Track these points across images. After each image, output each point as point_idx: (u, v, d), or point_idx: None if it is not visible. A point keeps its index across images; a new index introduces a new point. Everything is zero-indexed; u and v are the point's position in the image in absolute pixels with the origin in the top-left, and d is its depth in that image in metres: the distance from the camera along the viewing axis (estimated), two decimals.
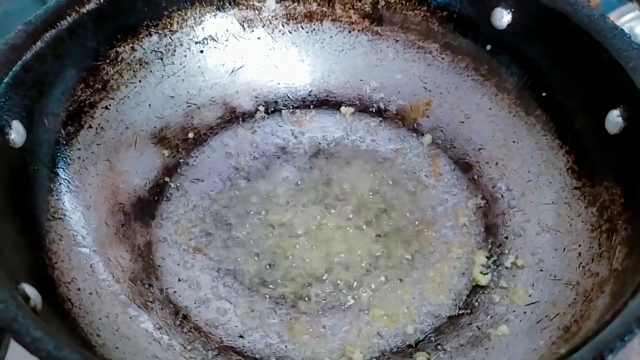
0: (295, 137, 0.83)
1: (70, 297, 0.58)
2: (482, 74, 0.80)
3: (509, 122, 0.77)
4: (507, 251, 0.68)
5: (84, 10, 0.71)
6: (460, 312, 0.64)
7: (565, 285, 0.60)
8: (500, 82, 0.78)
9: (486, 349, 0.58)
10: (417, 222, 0.72)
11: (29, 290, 0.48)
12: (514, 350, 0.56)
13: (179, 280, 0.67)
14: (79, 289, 0.60)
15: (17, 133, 0.61)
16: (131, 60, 0.78)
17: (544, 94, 0.73)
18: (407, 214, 0.73)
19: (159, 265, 0.68)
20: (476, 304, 0.64)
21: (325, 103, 0.86)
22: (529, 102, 0.75)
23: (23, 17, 0.67)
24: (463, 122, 0.81)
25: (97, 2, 0.72)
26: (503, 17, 0.76)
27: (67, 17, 0.69)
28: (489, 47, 0.79)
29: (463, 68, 0.82)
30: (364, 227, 0.72)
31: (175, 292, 0.66)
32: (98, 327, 0.57)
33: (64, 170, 0.68)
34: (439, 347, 0.61)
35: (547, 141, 0.72)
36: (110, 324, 0.58)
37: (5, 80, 0.61)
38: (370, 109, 0.85)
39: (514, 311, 0.61)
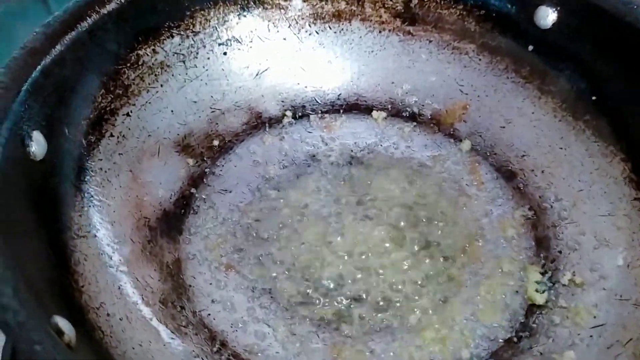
0: (326, 144, 0.78)
1: (100, 325, 0.53)
2: (524, 75, 0.76)
3: (555, 127, 0.73)
4: (562, 267, 0.64)
5: (104, 10, 0.66)
6: (519, 334, 0.59)
7: (634, 306, 0.56)
8: (543, 84, 0.74)
9: None
10: (461, 235, 0.68)
11: (62, 323, 0.43)
12: None
13: (212, 301, 0.62)
14: (108, 315, 0.55)
15: (37, 144, 0.56)
16: (152, 64, 0.73)
17: (593, 98, 0.69)
18: (450, 227, 0.69)
19: (190, 285, 0.63)
20: (534, 325, 0.60)
21: (356, 107, 0.82)
22: (577, 106, 0.71)
23: (24, 17, 0.62)
24: (504, 127, 0.76)
25: (118, 2, 0.67)
26: (548, 16, 0.71)
27: (87, 18, 0.64)
28: (531, 47, 0.74)
29: (502, 70, 0.77)
30: (405, 241, 0.67)
31: (209, 314, 0.61)
32: (132, 357, 0.52)
33: (86, 183, 0.63)
34: None
35: (599, 148, 0.68)
36: (144, 353, 0.54)
37: (24, 87, 0.56)
38: (403, 113, 0.81)
39: (578, 334, 0.57)
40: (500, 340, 0.59)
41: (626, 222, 0.62)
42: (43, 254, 0.52)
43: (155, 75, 0.74)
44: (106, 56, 0.68)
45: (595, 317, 0.58)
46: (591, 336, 0.56)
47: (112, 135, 0.68)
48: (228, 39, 0.79)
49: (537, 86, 0.74)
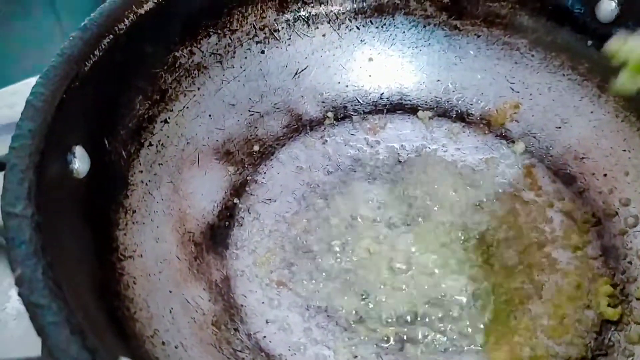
0: (371, 147, 0.74)
1: (157, 356, 0.49)
2: (581, 72, 0.72)
3: (616, 127, 0.69)
4: (634, 279, 0.60)
5: (141, 11, 0.61)
6: (594, 353, 0.56)
7: None
8: (603, 82, 0.70)
9: None
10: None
11: None
12: None
13: (267, 322, 0.59)
14: (163, 344, 0.51)
15: (81, 160, 0.52)
16: (189, 66, 0.69)
17: None
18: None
19: (242, 305, 0.60)
20: (610, 343, 0.56)
21: (400, 107, 0.78)
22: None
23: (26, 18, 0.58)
24: (559, 128, 0.72)
25: (155, 0, 0.62)
26: (610, 8, 0.67)
27: (125, 19, 0.59)
28: (590, 42, 0.70)
29: (557, 66, 0.73)
30: (463, 252, 0.64)
31: (264, 337, 0.58)
32: None
33: (128, 198, 0.59)
34: None
35: None
36: None
37: (63, 97, 0.51)
38: (451, 113, 0.77)
39: None
40: None
41: None
42: (95, 282, 0.48)
43: (192, 77, 0.69)
44: (143, 59, 0.64)
45: None
46: None
47: (151, 145, 0.64)
48: (266, 37, 0.74)
49: (597, 84, 0.70)
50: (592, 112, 0.70)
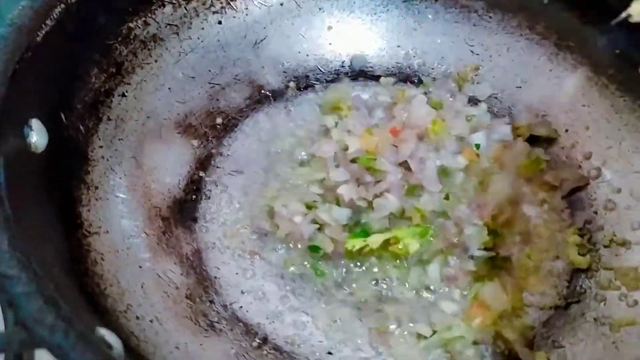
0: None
1: (132, 330, 0.48)
2: (539, 32, 0.72)
3: (575, 83, 0.70)
4: (600, 228, 0.61)
5: None
6: (567, 301, 0.57)
7: None
8: (561, 40, 0.71)
9: (614, 342, 0.52)
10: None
11: (107, 335, 0.37)
12: None
13: (242, 292, 0.58)
14: (137, 318, 0.50)
15: (38, 134, 0.49)
16: (145, 37, 0.66)
17: (617, 51, 0.66)
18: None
19: (216, 277, 0.58)
20: (582, 290, 0.57)
21: (362, 74, 0.77)
22: (599, 60, 0.68)
23: None
24: (520, 87, 0.73)
25: None
26: None
27: None
28: (546, 0, 0.71)
29: (515, 27, 0.74)
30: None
31: (241, 307, 0.56)
32: None
33: (89, 174, 0.57)
34: (555, 343, 0.54)
35: (626, 103, 0.65)
36: (183, 357, 0.49)
37: (16, 68, 0.49)
38: (413, 79, 0.76)
39: (631, 296, 0.55)
40: (549, 308, 0.57)
41: None
42: (64, 257, 0.46)
43: (149, 49, 0.67)
44: (96, 30, 0.61)
45: None
46: None
47: (109, 119, 0.62)
48: (222, 7, 0.72)
49: (554, 42, 0.71)
50: (550, 70, 0.71)
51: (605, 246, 0.60)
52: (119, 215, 0.57)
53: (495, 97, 0.74)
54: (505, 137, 0.69)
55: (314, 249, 0.60)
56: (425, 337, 0.54)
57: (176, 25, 0.69)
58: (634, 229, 0.60)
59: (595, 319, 0.55)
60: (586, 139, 0.68)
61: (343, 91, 0.72)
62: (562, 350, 0.54)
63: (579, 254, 0.60)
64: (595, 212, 0.63)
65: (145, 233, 0.58)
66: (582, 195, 0.65)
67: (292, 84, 0.75)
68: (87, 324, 0.37)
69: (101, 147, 0.60)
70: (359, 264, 0.60)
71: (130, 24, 0.65)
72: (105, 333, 0.37)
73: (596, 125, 0.67)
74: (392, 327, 0.56)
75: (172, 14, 0.68)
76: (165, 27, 0.68)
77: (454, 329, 0.54)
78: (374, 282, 0.59)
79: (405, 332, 0.55)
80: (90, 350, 0.32)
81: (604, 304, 0.56)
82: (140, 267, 0.55)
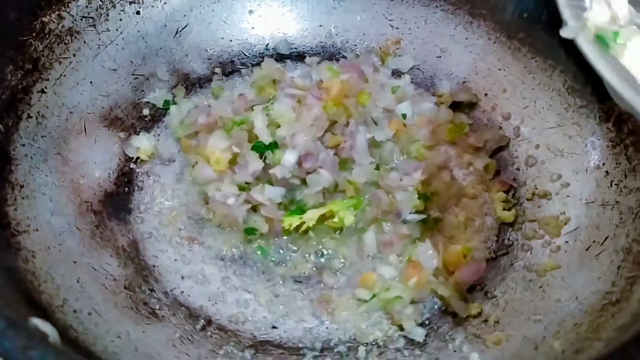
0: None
1: (70, 323, 0.47)
2: (453, 2, 0.75)
3: (491, 49, 0.73)
4: (523, 183, 0.64)
5: None
6: (497, 253, 0.60)
7: (602, 206, 0.57)
8: (474, 8, 0.74)
9: (541, 287, 0.55)
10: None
11: (42, 325, 0.37)
12: (574, 282, 0.54)
13: (182, 278, 0.58)
14: (75, 311, 0.49)
15: None
16: (60, 31, 0.65)
17: (525, 15, 0.70)
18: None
19: (154, 265, 0.58)
20: (510, 242, 0.60)
21: (286, 56, 0.78)
22: (510, 25, 0.71)
23: None
24: (440, 57, 0.76)
25: None
26: None
27: None
28: None
29: None
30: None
31: (182, 292, 0.57)
32: (115, 351, 0.47)
33: (13, 173, 0.56)
34: (488, 294, 0.57)
35: (537, 63, 0.69)
36: (125, 345, 0.49)
37: None
38: (337, 56, 0.78)
39: (554, 243, 0.58)
40: (481, 262, 0.60)
41: (576, 131, 0.64)
42: None
43: (65, 44, 0.66)
44: (8, 27, 0.59)
45: (566, 223, 0.59)
46: (567, 242, 0.58)
47: (29, 117, 0.60)
48: None
49: (468, 11, 0.74)
50: (466, 39, 0.74)
51: (528, 199, 0.63)
52: (48, 212, 0.56)
53: (418, 69, 0.76)
54: (429, 112, 0.71)
55: (249, 231, 0.60)
56: (366, 301, 0.56)
57: (92, 18, 0.68)
58: (553, 181, 0.63)
59: (523, 267, 0.58)
60: (504, 101, 0.71)
61: (269, 73, 0.72)
62: (495, 300, 0.56)
63: (504, 209, 0.63)
64: (518, 169, 0.66)
65: (77, 228, 0.57)
66: (505, 155, 0.68)
67: (217, 70, 0.75)
68: (18, 315, 0.36)
69: (23, 145, 0.58)
70: (296, 240, 0.61)
71: (44, 19, 0.63)
72: (38, 322, 0.37)
73: (512, 87, 0.70)
74: (333, 296, 0.57)
75: (87, 6, 0.67)
76: (81, 20, 0.67)
77: (391, 290, 0.55)
78: (312, 255, 0.60)
79: (346, 299, 0.56)
80: (22, 336, 0.31)
81: (530, 253, 0.59)
82: (74, 262, 0.54)
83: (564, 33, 0.47)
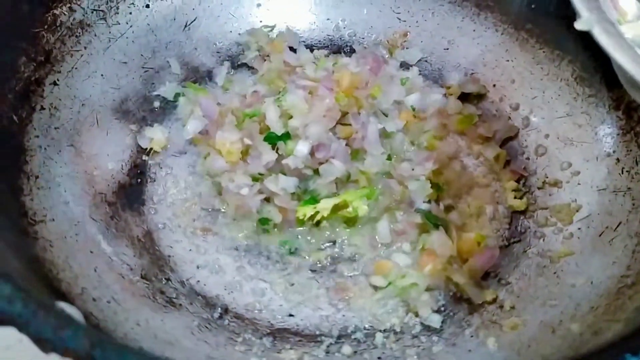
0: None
1: (90, 311, 0.47)
2: None
3: (498, 41, 0.73)
4: (533, 172, 0.65)
5: None
6: (509, 241, 0.60)
7: (613, 193, 0.58)
8: (481, 0, 0.74)
9: (555, 272, 0.56)
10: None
11: (68, 309, 0.37)
12: (587, 268, 0.54)
13: (198, 267, 0.58)
14: (94, 300, 0.49)
15: None
16: (71, 24, 0.65)
17: (532, 6, 0.70)
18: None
19: (169, 255, 0.58)
20: (522, 230, 0.61)
21: (294, 48, 0.78)
22: (517, 16, 0.72)
23: None
24: (447, 49, 0.76)
25: None
26: None
27: None
28: None
29: None
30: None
31: (198, 281, 0.57)
32: (135, 338, 0.47)
33: (28, 164, 0.56)
34: (502, 281, 0.57)
35: (545, 54, 0.69)
36: (145, 332, 0.49)
37: None
38: (345, 49, 0.78)
39: (566, 230, 0.59)
40: (494, 249, 0.60)
41: (585, 119, 0.64)
42: (14, 245, 0.45)
43: (77, 36, 0.66)
44: (21, 19, 0.59)
45: (578, 210, 0.59)
46: (579, 229, 0.58)
47: (43, 108, 0.61)
48: None
49: (475, 3, 0.74)
50: (474, 30, 0.74)
51: (539, 188, 0.64)
52: (64, 203, 0.57)
53: (426, 61, 0.76)
54: (438, 103, 0.71)
55: (263, 221, 0.61)
56: (382, 288, 0.56)
57: (102, 11, 0.68)
58: (563, 169, 0.64)
59: (536, 254, 0.58)
60: (513, 92, 0.71)
61: (277, 66, 0.73)
62: (510, 286, 0.56)
63: (515, 197, 0.63)
64: (528, 158, 0.67)
65: (93, 219, 0.58)
66: (515, 144, 0.68)
67: (226, 63, 0.75)
68: (45, 298, 0.36)
69: (37, 136, 0.59)
70: (310, 229, 0.61)
71: (55, 11, 0.63)
72: (65, 306, 0.37)
73: (520, 77, 0.71)
74: (349, 284, 0.57)
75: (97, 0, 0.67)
76: (92, 13, 0.67)
77: (407, 277, 0.56)
78: (326, 245, 0.60)
79: (361, 287, 0.57)
80: (52, 317, 0.32)
81: (543, 240, 0.59)
82: (91, 252, 0.54)
83: (579, 25, 0.46)
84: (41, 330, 0.31)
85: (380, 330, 0.55)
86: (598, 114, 0.64)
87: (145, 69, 0.71)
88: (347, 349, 0.53)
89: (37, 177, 0.56)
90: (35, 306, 0.32)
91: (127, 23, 0.70)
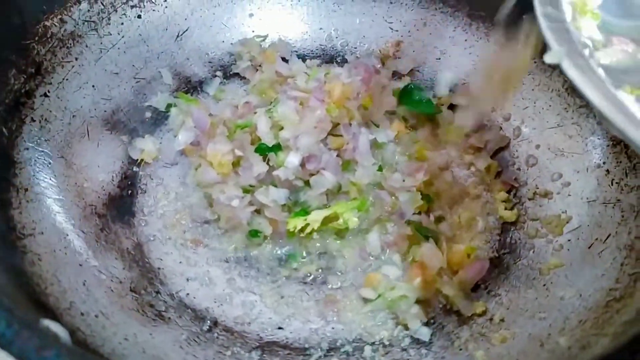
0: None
1: (78, 325, 0.47)
2: (451, 4, 0.76)
3: (489, 50, 0.73)
4: (524, 183, 0.65)
5: None
6: (500, 252, 0.60)
7: (603, 205, 0.58)
8: (473, 10, 0.74)
9: (544, 284, 0.56)
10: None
11: (54, 326, 0.37)
12: (577, 280, 0.54)
13: (187, 280, 0.58)
14: (82, 314, 0.49)
15: None
16: (62, 35, 0.65)
17: (524, 16, 0.70)
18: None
19: (159, 268, 0.58)
20: (512, 241, 0.61)
21: (286, 59, 0.78)
22: (509, 26, 0.72)
23: None
24: (439, 59, 0.76)
25: None
26: None
27: None
28: None
29: (429, 1, 0.77)
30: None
31: (188, 294, 0.57)
32: (123, 353, 0.47)
33: (17, 177, 0.56)
34: (492, 293, 0.57)
35: (537, 64, 0.69)
36: (133, 347, 0.49)
37: None
38: (337, 59, 0.78)
39: (556, 241, 0.59)
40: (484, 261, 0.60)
41: (576, 130, 0.64)
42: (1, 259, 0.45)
43: (68, 47, 0.66)
44: (12, 31, 0.59)
45: (568, 222, 0.59)
46: (569, 240, 0.58)
47: (33, 120, 0.61)
48: (140, 0, 0.72)
49: (467, 13, 0.75)
50: (465, 40, 0.75)
51: (529, 199, 0.64)
52: (53, 216, 0.56)
53: (418, 71, 0.77)
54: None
55: (253, 233, 0.61)
56: (371, 301, 0.56)
57: (94, 22, 0.68)
58: (554, 180, 0.64)
59: (526, 265, 0.58)
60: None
61: (269, 76, 0.73)
62: (499, 298, 0.56)
63: (506, 209, 0.63)
64: (519, 169, 0.67)
65: (82, 231, 0.57)
66: (506, 155, 0.68)
67: (219, 73, 0.75)
68: (30, 316, 0.36)
69: (27, 149, 0.59)
70: (301, 241, 0.61)
71: (46, 23, 0.64)
72: (49, 323, 0.37)
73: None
74: (338, 296, 0.57)
75: (88, 10, 0.68)
76: (83, 24, 0.67)
77: (396, 289, 0.56)
78: (317, 257, 0.60)
79: (351, 299, 0.57)
80: (35, 337, 0.32)
81: (533, 252, 0.60)
82: (80, 265, 0.54)
83: (548, 59, 0.44)
84: (24, 350, 0.31)
85: (369, 343, 0.55)
86: (588, 124, 0.64)
87: (136, 80, 0.71)
88: None
89: (26, 189, 0.56)
90: (18, 325, 0.32)
91: (118, 34, 0.70)
